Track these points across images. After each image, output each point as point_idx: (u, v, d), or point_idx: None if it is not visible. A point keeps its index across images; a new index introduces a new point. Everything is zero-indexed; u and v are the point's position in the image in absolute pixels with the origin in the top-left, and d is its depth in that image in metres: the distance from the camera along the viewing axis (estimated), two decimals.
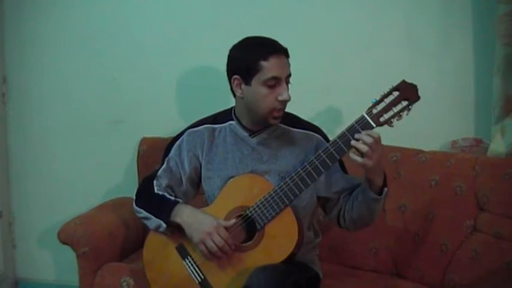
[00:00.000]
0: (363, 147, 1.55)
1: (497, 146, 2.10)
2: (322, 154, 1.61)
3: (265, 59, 1.64)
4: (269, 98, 1.67)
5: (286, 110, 1.77)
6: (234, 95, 1.76)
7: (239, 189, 1.74)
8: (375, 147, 1.55)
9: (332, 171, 1.73)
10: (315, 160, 1.62)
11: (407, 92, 1.56)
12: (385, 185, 1.66)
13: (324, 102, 2.35)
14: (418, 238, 2.07)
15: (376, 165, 1.58)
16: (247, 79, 1.67)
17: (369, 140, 1.54)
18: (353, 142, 1.56)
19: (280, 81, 1.66)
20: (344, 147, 1.59)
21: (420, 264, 2.04)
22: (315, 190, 1.78)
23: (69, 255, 2.15)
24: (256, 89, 1.67)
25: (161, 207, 1.75)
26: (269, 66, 1.64)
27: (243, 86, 1.70)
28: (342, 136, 1.59)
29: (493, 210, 1.98)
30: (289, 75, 1.70)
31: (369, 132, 1.56)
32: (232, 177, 1.76)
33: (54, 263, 2.79)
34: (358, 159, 1.56)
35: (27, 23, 2.66)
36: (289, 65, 1.70)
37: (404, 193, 2.12)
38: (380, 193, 1.65)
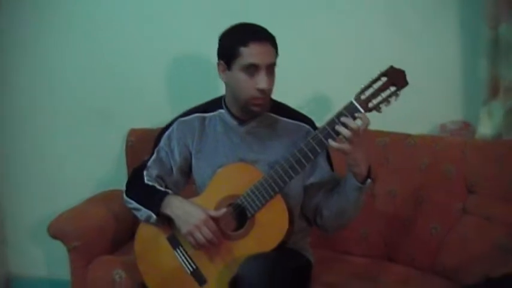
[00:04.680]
0: (345, 132, 1.54)
1: (484, 128, 2.11)
2: (311, 141, 1.61)
3: (245, 44, 1.63)
4: (247, 84, 1.65)
5: (276, 98, 1.75)
6: None
7: (229, 178, 1.73)
8: (358, 133, 1.53)
9: (317, 162, 1.73)
10: (304, 147, 1.61)
11: (395, 78, 1.55)
12: (369, 176, 1.63)
13: (311, 89, 2.33)
14: (409, 222, 2.08)
15: (358, 152, 1.57)
16: (229, 64, 1.67)
17: (353, 125, 1.53)
18: (337, 127, 1.55)
19: (258, 69, 1.64)
20: (333, 133, 1.58)
21: (411, 248, 2.06)
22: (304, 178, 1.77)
23: (60, 250, 2.13)
24: (236, 75, 1.66)
25: (151, 198, 1.74)
26: (248, 53, 1.63)
27: (226, 71, 1.70)
28: (330, 122, 1.58)
29: (483, 193, 1.99)
30: (273, 64, 1.67)
31: (359, 115, 1.55)
32: (221, 166, 1.75)
33: (46, 258, 2.78)
34: (335, 144, 1.55)
35: (13, 18, 2.62)
36: (275, 54, 1.67)
37: (393, 178, 2.12)
38: (363, 183, 1.62)
